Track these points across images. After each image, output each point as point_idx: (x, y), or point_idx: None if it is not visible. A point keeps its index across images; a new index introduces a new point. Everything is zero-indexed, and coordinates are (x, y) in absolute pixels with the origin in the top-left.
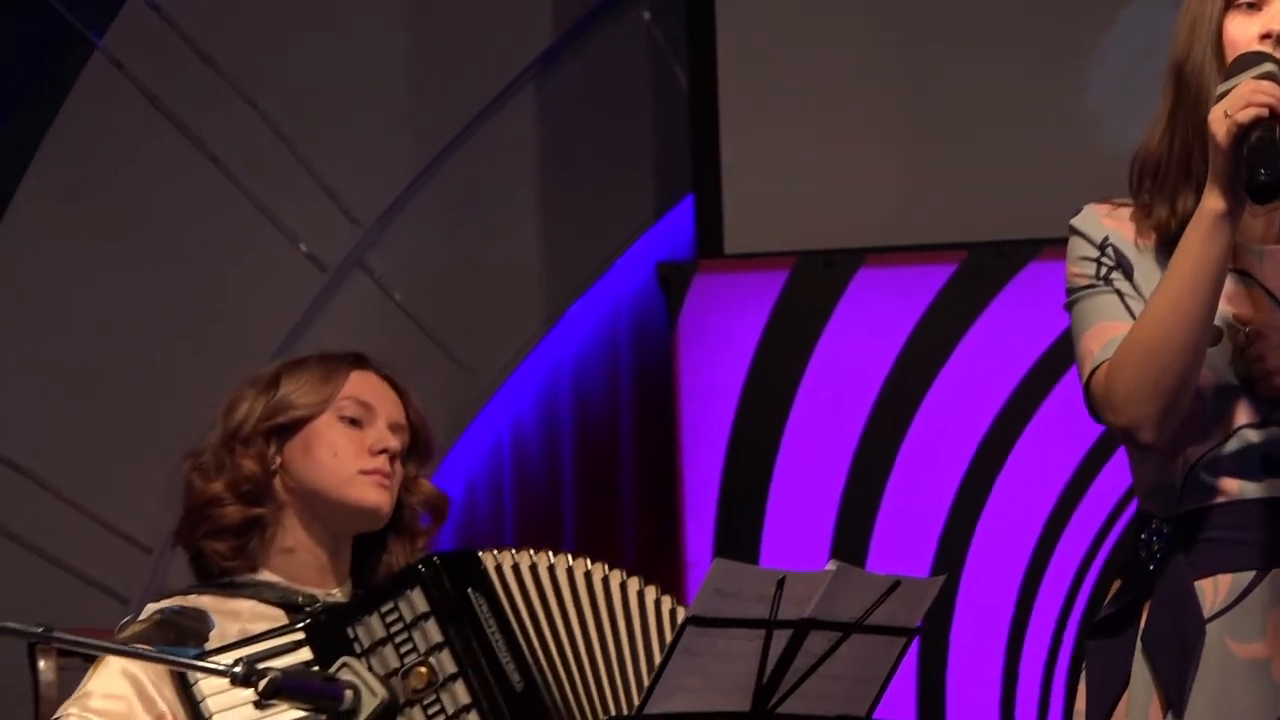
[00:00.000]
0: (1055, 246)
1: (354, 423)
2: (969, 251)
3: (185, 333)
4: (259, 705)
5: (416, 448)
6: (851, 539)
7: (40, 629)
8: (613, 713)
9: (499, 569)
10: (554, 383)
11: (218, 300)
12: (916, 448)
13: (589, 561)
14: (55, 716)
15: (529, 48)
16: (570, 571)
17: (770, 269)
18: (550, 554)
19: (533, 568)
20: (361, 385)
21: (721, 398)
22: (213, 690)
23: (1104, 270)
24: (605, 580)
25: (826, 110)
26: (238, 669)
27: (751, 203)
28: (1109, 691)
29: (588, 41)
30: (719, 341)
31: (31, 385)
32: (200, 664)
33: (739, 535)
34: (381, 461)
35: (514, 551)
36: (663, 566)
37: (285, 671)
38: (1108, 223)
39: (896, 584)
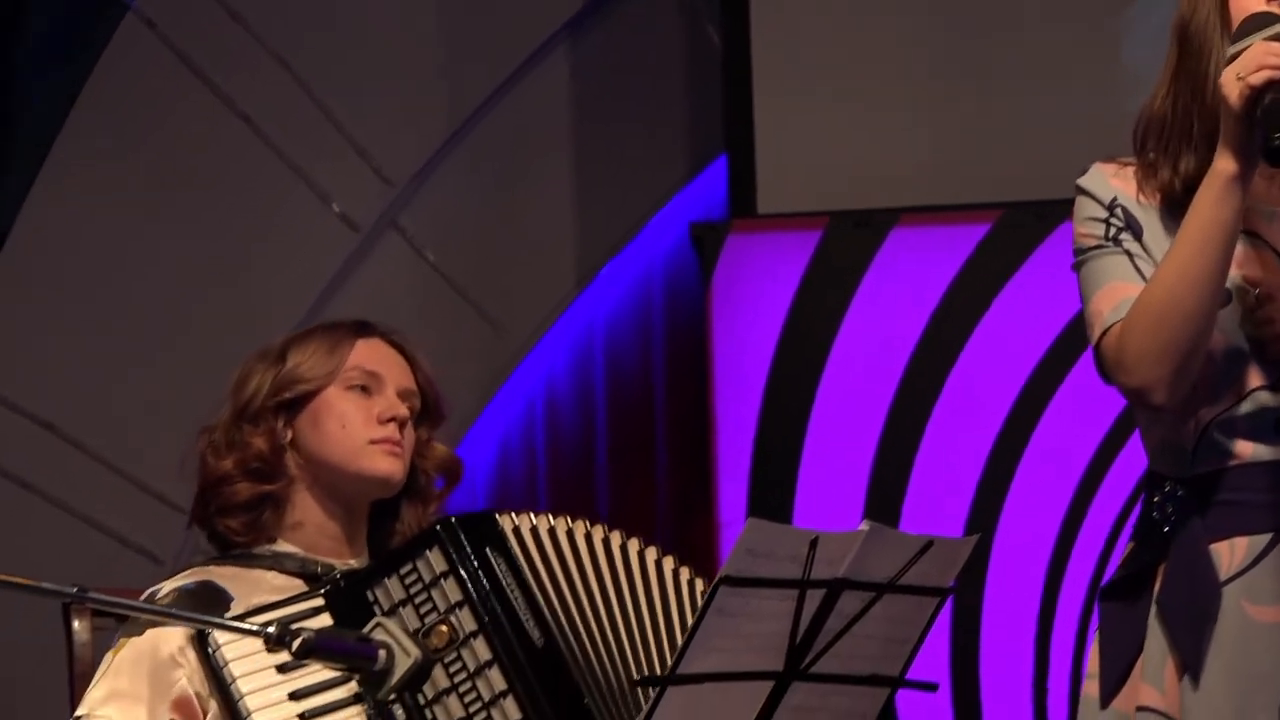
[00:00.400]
0: None
1: (362, 391)
2: (1004, 211)
3: (218, 293)
4: (282, 669)
5: (427, 411)
6: (885, 499)
7: (74, 589)
8: (632, 672)
9: (516, 531)
10: (587, 343)
11: (250, 260)
12: (950, 407)
13: (606, 528)
14: (75, 715)
15: (562, 7)
16: (589, 537)
17: (804, 229)
18: (568, 519)
19: (551, 531)
20: (368, 353)
21: (755, 358)
22: (235, 655)
23: (1113, 231)
24: (623, 547)
25: (861, 69)
26: (271, 629)
27: (785, 162)
28: (1123, 655)
29: (621, 1)
30: (752, 301)
31: (65, 346)
32: (234, 624)
33: (772, 495)
34: (391, 430)
35: (532, 515)
36: (696, 526)
37: (319, 632)
38: (1115, 183)
39: (930, 544)
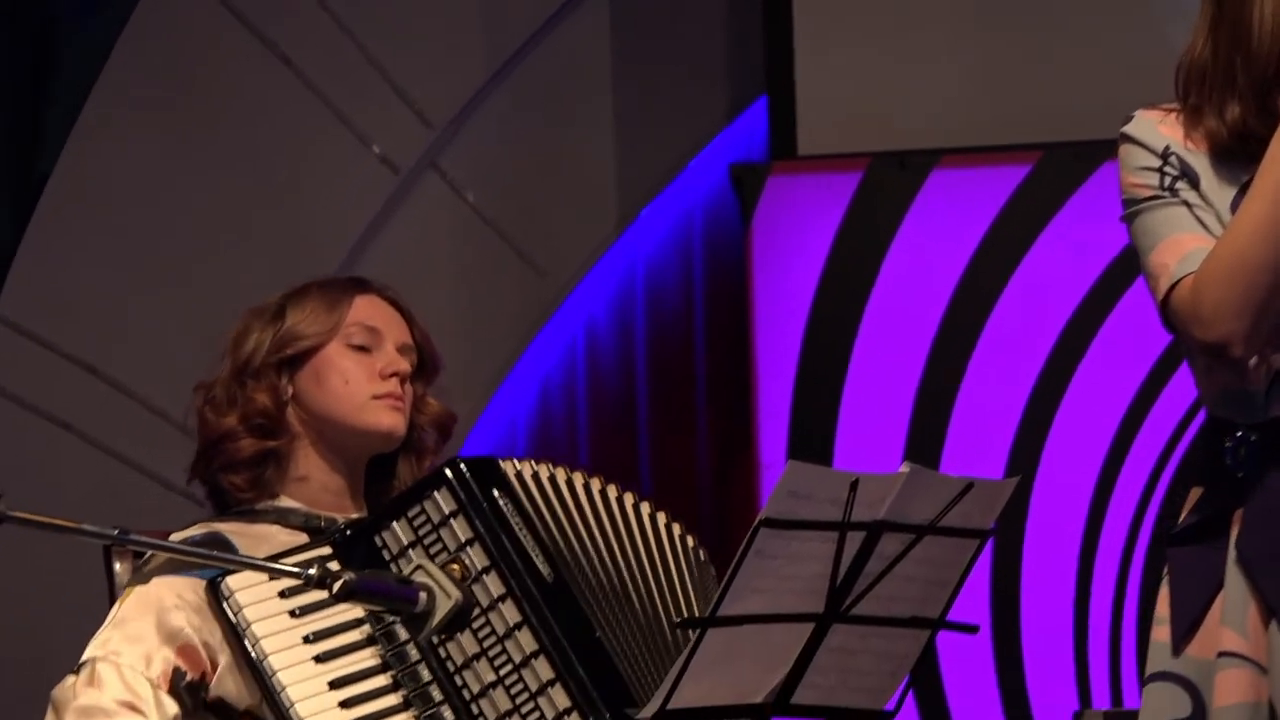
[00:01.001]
0: None
1: (362, 349)
2: (1044, 152)
3: (258, 235)
4: (295, 614)
5: (423, 367)
6: (925, 441)
7: (115, 531)
8: (635, 613)
9: (519, 475)
10: (628, 285)
11: (290, 202)
12: (991, 349)
13: (602, 479)
14: (80, 662)
15: None
16: (587, 487)
17: (844, 170)
18: (567, 468)
19: (551, 479)
20: (367, 310)
21: (795, 299)
22: (250, 601)
23: (1168, 180)
24: (620, 500)
25: (901, 10)
26: (312, 571)
27: (825, 104)
28: (1195, 600)
29: None
30: (792, 243)
31: (106, 289)
32: (272, 565)
33: (813, 437)
34: (393, 385)
35: (532, 462)
36: (736, 468)
37: (361, 574)
38: (1164, 130)
39: (970, 486)
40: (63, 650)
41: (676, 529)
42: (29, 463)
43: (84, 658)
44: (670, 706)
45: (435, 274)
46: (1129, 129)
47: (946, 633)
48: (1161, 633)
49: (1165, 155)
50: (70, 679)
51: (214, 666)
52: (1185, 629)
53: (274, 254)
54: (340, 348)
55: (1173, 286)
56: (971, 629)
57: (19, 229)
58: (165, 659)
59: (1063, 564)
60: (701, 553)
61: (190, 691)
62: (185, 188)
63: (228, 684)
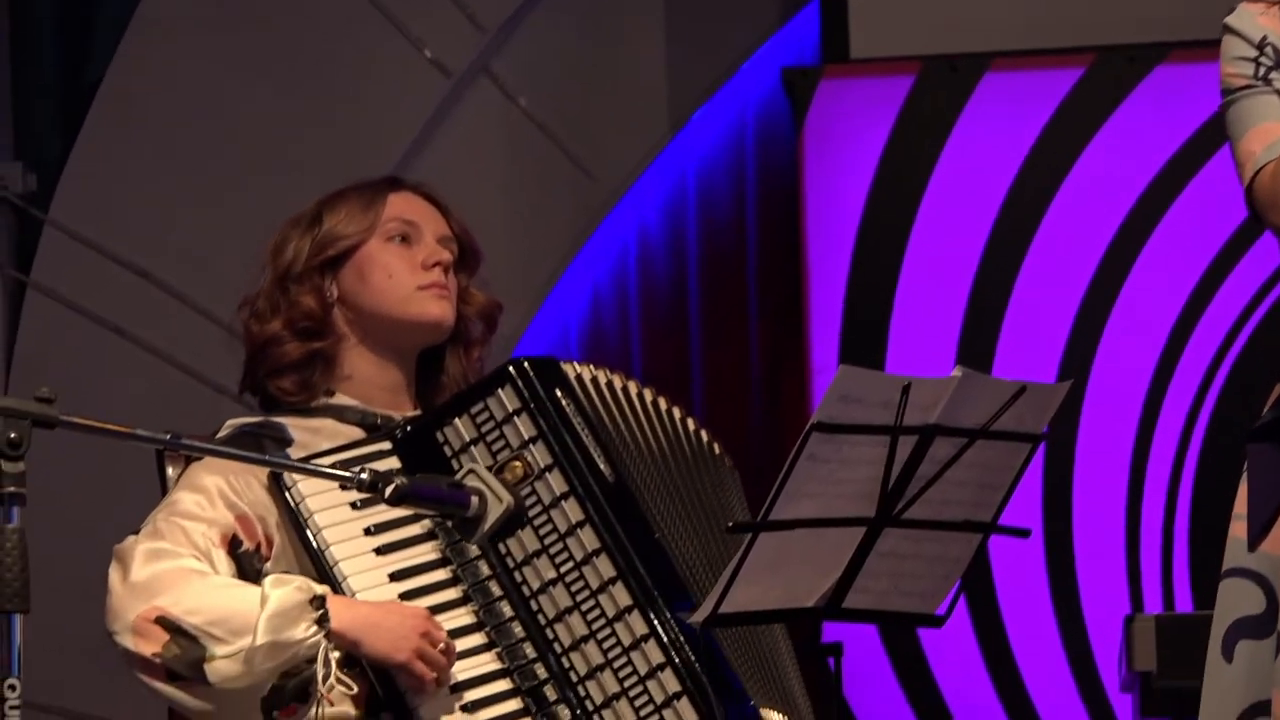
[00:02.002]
0: (1184, 50)
1: (402, 241)
2: (1096, 55)
3: (312, 140)
4: (355, 506)
5: (465, 258)
6: (977, 344)
7: (168, 435)
8: (689, 517)
9: (579, 378)
10: (679, 189)
11: (342, 107)
12: (1042, 252)
13: (655, 390)
14: (145, 521)
15: None
16: (640, 395)
17: (896, 74)
18: (622, 375)
19: (609, 383)
20: (403, 205)
21: (847, 203)
22: (311, 491)
23: (1263, 70)
24: (669, 411)
25: None
26: (364, 475)
27: (877, 6)
28: (1271, 496)
29: None
30: (844, 147)
31: (160, 195)
32: (324, 469)
33: (864, 341)
34: (437, 274)
35: (591, 365)
36: (788, 373)
37: (413, 478)
38: (1263, 21)
39: (1022, 389)
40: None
41: (717, 447)
42: (81, 367)
43: (143, 525)
44: (723, 610)
45: (487, 179)
46: (1230, 19)
47: (998, 537)
48: (1239, 528)
49: (1261, 45)
50: (132, 537)
51: (269, 543)
52: (1261, 525)
53: (325, 159)
54: (380, 243)
55: (1257, 173)
56: (1023, 533)
57: (70, 136)
58: (224, 523)
59: (1115, 468)
60: (738, 477)
61: (245, 559)
62: (236, 94)
63: (282, 566)
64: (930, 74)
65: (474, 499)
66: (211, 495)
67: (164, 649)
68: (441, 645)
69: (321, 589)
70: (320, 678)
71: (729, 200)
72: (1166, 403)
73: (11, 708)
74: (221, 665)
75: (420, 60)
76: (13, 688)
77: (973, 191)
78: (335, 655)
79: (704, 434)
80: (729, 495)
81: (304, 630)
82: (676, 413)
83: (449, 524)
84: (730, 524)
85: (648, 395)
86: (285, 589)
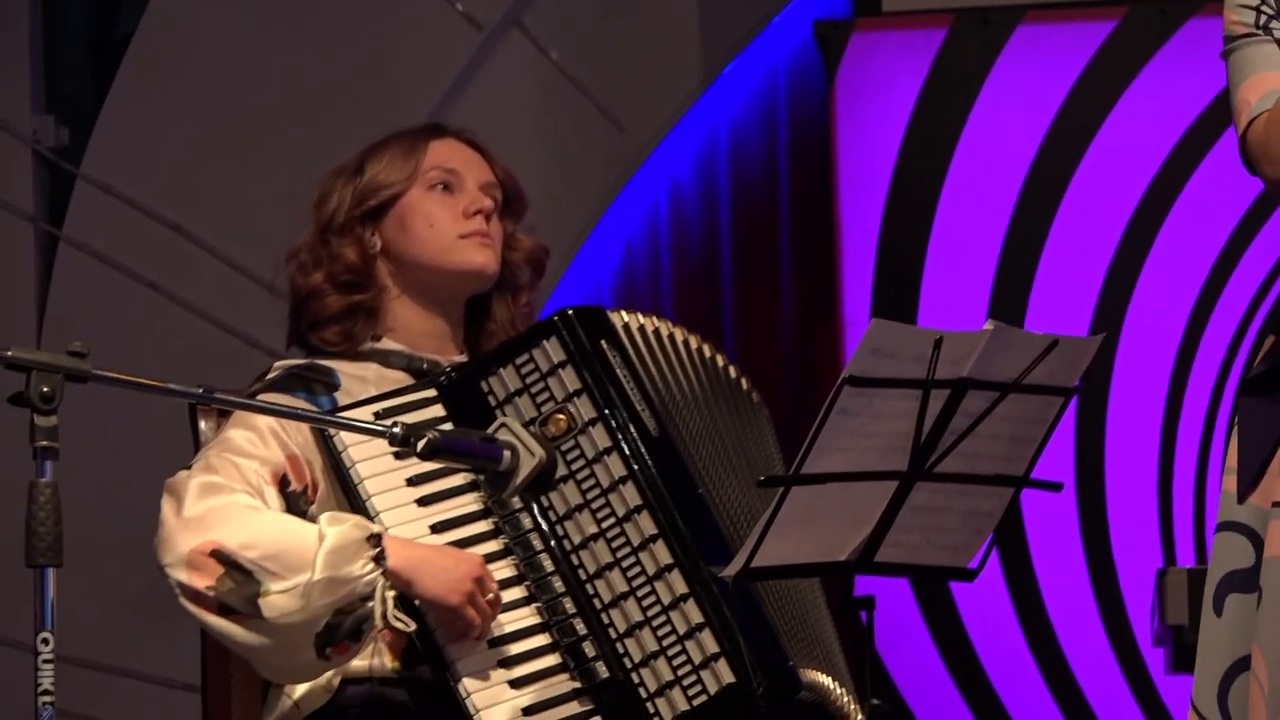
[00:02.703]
0: (1215, 3)
1: (444, 189)
2: (1129, 7)
3: (343, 92)
4: (398, 455)
5: (509, 204)
6: (1009, 298)
7: (200, 390)
8: (733, 471)
9: (626, 327)
10: (711, 143)
11: (374, 59)
12: (1075, 205)
13: (699, 336)
14: (197, 456)
15: None
16: (685, 343)
17: (928, 27)
18: (668, 322)
19: (655, 331)
20: (444, 153)
21: (879, 156)
22: (355, 440)
23: (1263, 19)
24: (713, 358)
25: None
26: (396, 430)
27: None
28: (1260, 449)
29: None
30: (877, 100)
31: (192, 148)
32: (357, 423)
33: (896, 295)
34: (479, 222)
35: (638, 314)
36: (820, 326)
37: (445, 432)
38: None
39: (1055, 343)
40: (149, 509)
41: (755, 396)
42: (114, 322)
43: (196, 458)
44: (754, 564)
45: (518, 132)
46: None
47: (1030, 490)
48: (1230, 482)
49: None
50: (183, 472)
51: (314, 488)
52: (1250, 478)
53: (357, 112)
54: (421, 192)
55: (1250, 123)
56: (1055, 486)
57: (102, 89)
58: (275, 462)
59: (1148, 421)
60: (770, 419)
61: (293, 499)
62: (267, 47)
63: (329, 509)
64: (963, 27)
65: (506, 453)
66: (264, 434)
67: (218, 582)
68: (491, 595)
69: (377, 527)
70: (377, 615)
71: (761, 153)
72: (1199, 355)
73: (44, 661)
74: (277, 600)
75: (451, 13)
76: (45, 641)
77: (1005, 145)
78: (391, 593)
79: (744, 381)
80: (766, 443)
81: (361, 567)
82: (719, 359)
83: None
84: (762, 478)
85: (693, 342)
86: (342, 526)
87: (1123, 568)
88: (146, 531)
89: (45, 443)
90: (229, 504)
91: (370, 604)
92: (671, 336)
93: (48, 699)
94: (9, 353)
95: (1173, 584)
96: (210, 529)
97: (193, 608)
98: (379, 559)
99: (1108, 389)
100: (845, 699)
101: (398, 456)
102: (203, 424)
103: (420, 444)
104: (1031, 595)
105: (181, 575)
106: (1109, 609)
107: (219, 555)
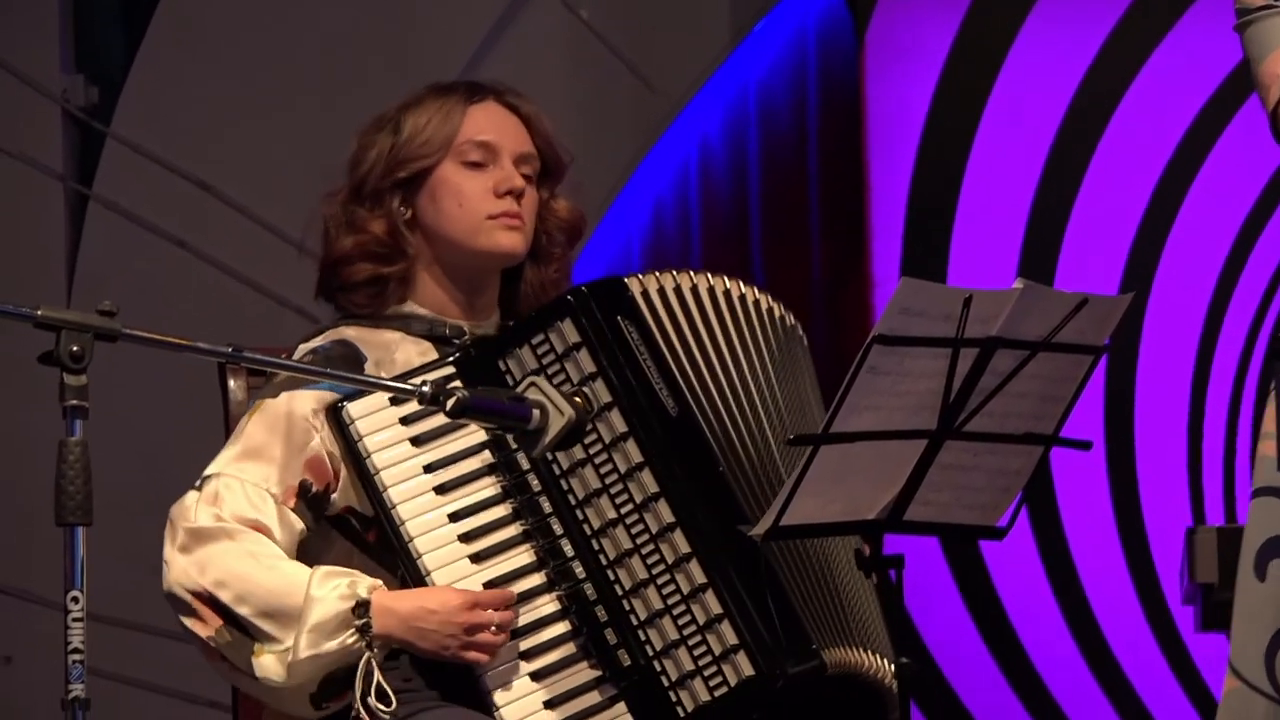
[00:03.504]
0: None
1: (477, 165)
2: None
3: (373, 51)
4: (416, 442)
5: (547, 171)
6: (1039, 256)
7: (229, 349)
8: (766, 436)
9: (645, 295)
10: (740, 101)
11: (404, 17)
12: (1105, 163)
13: (726, 279)
14: (204, 475)
15: None
16: (711, 291)
17: None
18: (691, 273)
19: (676, 290)
20: (481, 122)
21: (909, 115)
22: (370, 429)
23: None
24: (741, 298)
25: None
26: (425, 389)
27: None
28: None
29: None
30: (906, 57)
31: (222, 107)
32: (389, 382)
33: (926, 254)
34: (508, 203)
35: (657, 274)
36: (850, 285)
37: (473, 391)
38: None
39: (1084, 301)
40: (178, 469)
41: (790, 320)
42: (143, 281)
43: (207, 473)
44: (783, 523)
45: (548, 90)
46: None
47: (1060, 449)
48: (1268, 447)
49: None
50: (191, 496)
51: (337, 477)
52: None
53: (386, 71)
54: (454, 166)
55: None
56: (1085, 445)
57: (132, 48)
58: (292, 474)
59: (1177, 379)
60: (807, 348)
61: (314, 504)
62: (297, 5)
63: (351, 494)
64: None
65: (535, 411)
66: (279, 444)
67: (217, 634)
68: (494, 624)
69: (368, 587)
70: (358, 694)
71: (790, 112)
72: (1229, 313)
73: (74, 620)
74: (268, 662)
75: None
76: (75, 600)
77: (1036, 102)
78: (378, 659)
79: (777, 308)
80: (804, 385)
81: (343, 641)
82: (748, 296)
83: (514, 452)
84: (790, 437)
85: (718, 287)
86: (329, 593)
87: (1152, 526)
88: (176, 492)
89: (75, 402)
90: (225, 550)
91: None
92: (695, 289)
93: (78, 657)
94: (39, 312)
95: (1202, 542)
96: (207, 573)
97: (198, 647)
98: (364, 630)
99: (1137, 347)
100: (879, 669)
101: (416, 442)
102: (232, 383)
103: (449, 402)
104: (1060, 554)
105: (185, 620)
106: (1138, 567)
107: (216, 605)
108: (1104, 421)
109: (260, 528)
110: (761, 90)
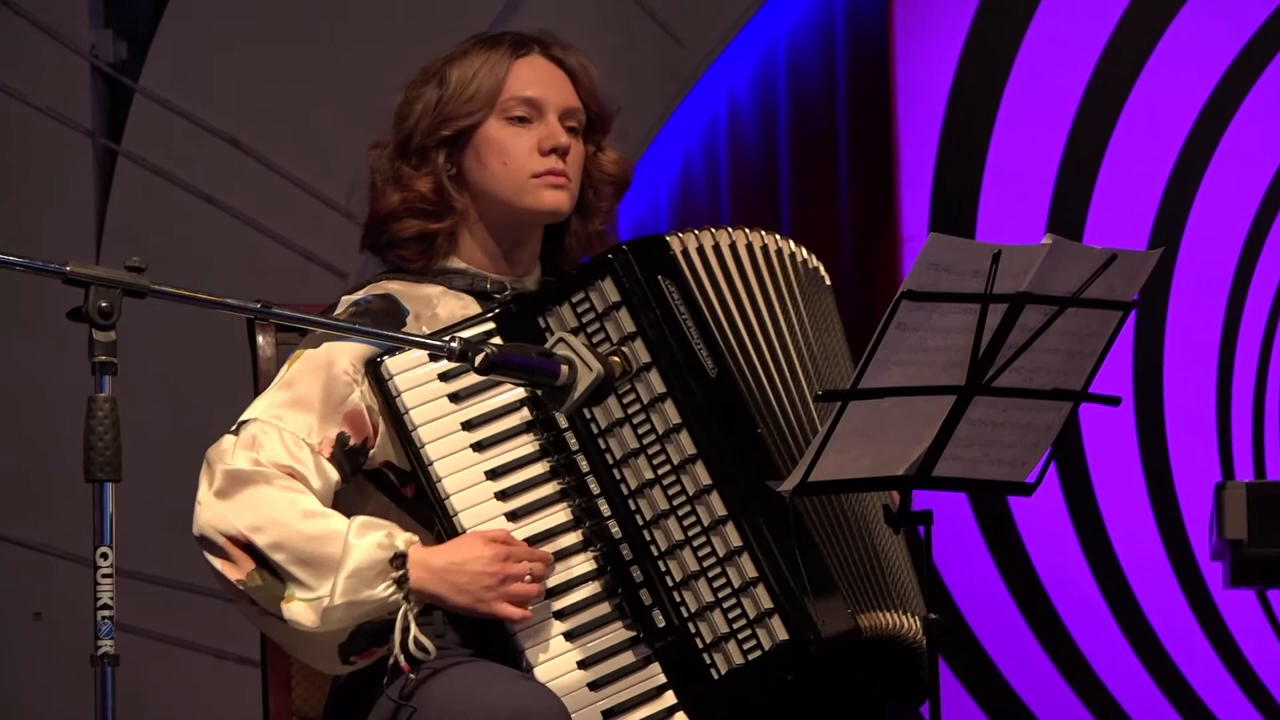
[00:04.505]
0: None
1: (522, 121)
2: None
3: (401, 6)
4: (454, 398)
5: (593, 123)
6: (1068, 211)
7: (258, 305)
8: (805, 394)
9: (686, 254)
10: (769, 56)
11: None
12: (1134, 118)
13: (763, 234)
14: (242, 419)
15: None
16: (749, 248)
17: None
18: (729, 230)
19: (715, 248)
20: (526, 78)
21: (938, 70)
22: (408, 385)
23: None
24: (779, 252)
25: None
26: (454, 344)
27: None
28: None
29: None
30: (935, 13)
31: (250, 62)
32: (417, 338)
33: (955, 209)
34: (553, 161)
35: (697, 232)
36: (879, 241)
37: (501, 347)
38: None
39: (1113, 257)
40: (207, 423)
41: (822, 269)
42: (173, 236)
43: (244, 417)
44: (813, 478)
45: (575, 45)
46: None
47: (1089, 405)
48: None
49: None
50: (229, 439)
51: (375, 431)
52: None
53: (414, 27)
54: (499, 123)
55: None
56: (1114, 401)
57: (160, 3)
58: (331, 425)
59: (1206, 335)
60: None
61: (351, 457)
62: None
63: (389, 449)
64: None
65: (563, 368)
66: (319, 395)
67: (248, 577)
68: (528, 575)
69: (405, 540)
70: (397, 643)
71: (819, 67)
72: (1259, 267)
73: (104, 575)
74: (298, 608)
75: None
76: (105, 555)
77: (1065, 57)
78: (414, 613)
79: (802, 256)
80: (835, 336)
81: (382, 590)
82: (784, 250)
83: (540, 395)
84: (819, 393)
85: (755, 244)
86: (367, 542)
87: (1181, 482)
88: (205, 450)
89: (104, 358)
90: (262, 494)
91: (394, 617)
92: (734, 247)
93: (107, 613)
94: (68, 268)
95: (1231, 498)
96: (243, 517)
97: (227, 592)
98: (401, 581)
99: (1166, 303)
100: (914, 629)
101: (454, 399)
102: (260, 339)
103: (478, 359)
104: (1089, 509)
105: (215, 562)
106: (1167, 523)
107: (250, 549)
108: (1133, 377)
109: (296, 475)
110: (790, 45)
